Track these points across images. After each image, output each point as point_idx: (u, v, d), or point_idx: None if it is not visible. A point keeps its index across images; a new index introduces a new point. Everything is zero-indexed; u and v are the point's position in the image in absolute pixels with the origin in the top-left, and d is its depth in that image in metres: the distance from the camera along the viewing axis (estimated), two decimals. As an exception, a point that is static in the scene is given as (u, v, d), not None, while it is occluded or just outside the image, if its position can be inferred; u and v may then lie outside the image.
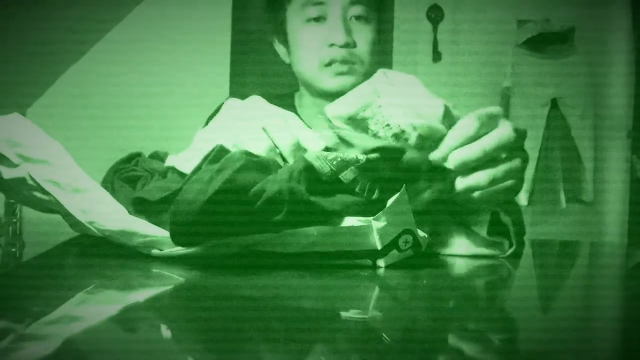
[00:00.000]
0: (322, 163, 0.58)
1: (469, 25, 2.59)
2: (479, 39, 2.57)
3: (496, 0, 2.62)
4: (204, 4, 2.46)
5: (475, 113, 0.62)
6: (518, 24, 2.64)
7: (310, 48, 1.05)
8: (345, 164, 0.57)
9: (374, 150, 0.58)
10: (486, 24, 2.57)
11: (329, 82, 1.04)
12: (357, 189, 0.56)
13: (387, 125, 0.60)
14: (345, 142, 0.62)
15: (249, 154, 0.56)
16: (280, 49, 1.14)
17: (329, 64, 1.03)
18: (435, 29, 2.61)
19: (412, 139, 0.59)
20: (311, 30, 1.04)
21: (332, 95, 1.06)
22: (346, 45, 1.02)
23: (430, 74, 2.59)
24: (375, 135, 0.60)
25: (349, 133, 0.61)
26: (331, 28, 1.03)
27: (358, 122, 0.62)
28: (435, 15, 2.61)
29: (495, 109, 0.64)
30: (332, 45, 1.02)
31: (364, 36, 1.04)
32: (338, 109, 0.63)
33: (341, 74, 1.04)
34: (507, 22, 2.63)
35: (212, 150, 0.58)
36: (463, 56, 2.59)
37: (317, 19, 1.04)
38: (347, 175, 0.56)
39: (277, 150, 0.61)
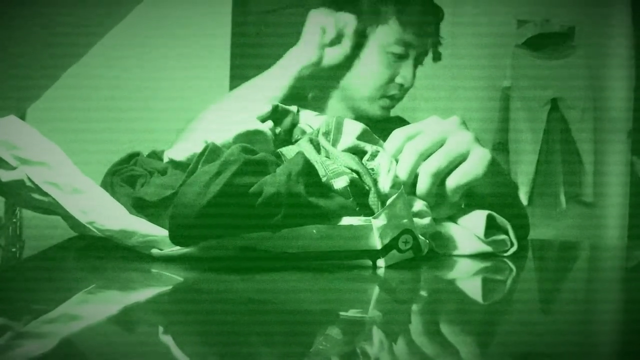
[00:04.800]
0: (319, 166, 0.58)
1: (469, 26, 2.59)
2: (479, 39, 2.57)
3: (496, 1, 2.62)
4: (204, 5, 2.46)
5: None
6: (518, 24, 2.64)
7: (378, 78, 1.09)
8: (338, 173, 0.57)
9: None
10: (486, 24, 2.57)
11: (377, 110, 1.11)
12: (349, 199, 0.57)
13: (372, 169, 0.61)
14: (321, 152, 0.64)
15: (246, 150, 0.56)
16: None
17: (385, 97, 1.10)
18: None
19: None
20: (389, 63, 1.08)
21: (366, 118, 1.10)
22: (408, 89, 1.10)
23: (429, 73, 2.59)
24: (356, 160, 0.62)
25: (331, 149, 0.63)
26: (406, 70, 1.08)
27: (364, 140, 0.64)
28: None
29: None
30: (400, 85, 1.09)
31: (415, 79, 1.12)
32: (359, 125, 0.65)
33: (388, 108, 1.12)
34: (507, 22, 2.63)
35: (205, 149, 0.58)
36: (463, 56, 2.58)
37: (398, 56, 1.07)
38: (338, 183, 0.57)
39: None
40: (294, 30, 1.15)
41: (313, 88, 1.17)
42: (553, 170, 2.60)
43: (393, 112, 1.25)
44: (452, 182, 0.62)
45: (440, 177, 0.62)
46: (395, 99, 1.11)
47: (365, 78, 1.09)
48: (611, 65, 2.68)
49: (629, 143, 2.68)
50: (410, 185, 0.63)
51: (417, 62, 1.11)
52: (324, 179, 0.57)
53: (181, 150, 0.63)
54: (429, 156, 0.62)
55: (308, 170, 0.54)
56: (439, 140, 0.62)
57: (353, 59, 1.10)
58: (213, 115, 1.03)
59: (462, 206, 0.68)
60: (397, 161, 0.63)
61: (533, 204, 2.58)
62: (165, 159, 0.65)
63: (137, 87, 2.39)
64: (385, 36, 1.07)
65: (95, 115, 2.35)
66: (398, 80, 1.08)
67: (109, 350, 0.34)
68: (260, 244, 0.55)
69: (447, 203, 0.64)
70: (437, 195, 0.64)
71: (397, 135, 0.64)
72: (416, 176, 0.62)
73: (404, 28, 1.06)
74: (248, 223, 0.52)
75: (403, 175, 0.62)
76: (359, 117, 1.11)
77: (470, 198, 0.68)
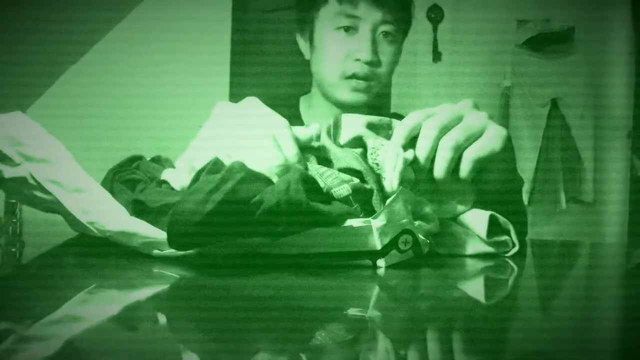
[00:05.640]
0: (318, 178, 0.58)
1: (469, 25, 2.59)
2: (479, 39, 2.58)
3: (496, 0, 2.62)
4: (204, 4, 2.46)
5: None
6: (518, 24, 2.64)
7: (334, 57, 1.05)
8: (339, 182, 0.57)
9: (346, 170, 0.59)
10: (486, 24, 2.58)
11: (345, 94, 1.06)
12: (352, 207, 0.56)
13: (377, 163, 0.60)
14: (323, 156, 0.63)
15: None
16: (302, 43, 1.14)
17: (350, 77, 1.05)
18: (435, 29, 2.62)
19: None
20: (339, 39, 1.05)
21: (342, 105, 1.07)
22: (370, 63, 1.04)
23: (430, 74, 2.59)
24: (358, 159, 0.60)
25: (332, 147, 0.62)
26: (360, 43, 1.03)
27: (373, 130, 0.63)
28: (435, 15, 2.61)
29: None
30: (357, 60, 1.04)
31: (388, 56, 1.06)
32: (362, 116, 0.64)
33: (358, 90, 1.05)
34: (507, 22, 2.63)
35: (209, 163, 0.58)
36: (463, 56, 2.59)
37: (347, 29, 1.04)
38: (339, 192, 0.57)
39: (277, 164, 0.61)
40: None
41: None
42: (553, 170, 2.60)
43: (405, 104, 1.23)
44: (470, 155, 0.62)
45: (459, 152, 0.62)
46: (362, 78, 1.04)
47: (324, 61, 1.07)
48: (611, 65, 2.68)
49: (629, 143, 2.68)
50: (427, 177, 0.62)
51: (377, 35, 1.05)
52: (324, 190, 0.57)
53: (179, 180, 0.63)
54: (447, 132, 0.62)
55: (308, 179, 0.54)
56: (456, 116, 0.63)
57: (312, 49, 1.10)
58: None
59: (471, 204, 0.67)
60: (404, 150, 0.62)
61: (533, 204, 2.58)
62: (163, 177, 0.65)
63: (137, 86, 2.39)
64: (327, 14, 1.06)
65: (96, 115, 2.35)
66: (355, 55, 1.03)
67: (112, 351, 0.34)
68: (260, 247, 0.55)
69: (459, 195, 0.64)
70: (452, 190, 0.63)
71: (416, 113, 0.64)
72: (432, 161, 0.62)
73: (340, 2, 1.04)
74: (250, 233, 0.52)
75: (423, 152, 0.61)
76: (338, 106, 1.09)
77: (481, 194, 0.67)
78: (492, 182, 0.68)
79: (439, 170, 0.62)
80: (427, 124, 0.62)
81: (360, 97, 1.06)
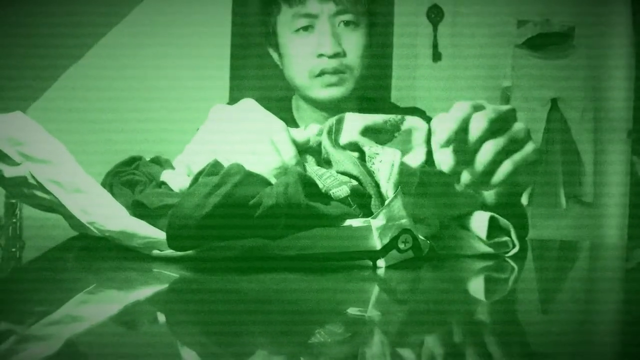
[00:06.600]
0: (317, 179, 0.58)
1: (469, 25, 2.59)
2: (479, 39, 2.57)
3: (496, 1, 2.62)
4: (204, 5, 2.46)
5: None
6: (518, 24, 2.64)
7: (299, 58, 1.05)
8: (337, 183, 0.57)
9: (345, 174, 0.59)
10: (486, 24, 2.58)
11: (319, 92, 1.05)
12: (351, 207, 0.56)
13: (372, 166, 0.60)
14: (323, 156, 0.63)
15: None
16: (273, 54, 1.14)
17: (319, 75, 1.04)
18: (435, 29, 2.61)
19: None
20: (300, 40, 1.04)
21: (323, 104, 1.07)
22: (335, 56, 1.02)
23: (430, 74, 2.59)
24: (356, 163, 0.60)
25: (331, 150, 0.62)
26: (320, 39, 1.02)
27: (374, 133, 0.63)
28: (435, 15, 2.61)
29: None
30: (320, 55, 1.02)
31: (353, 43, 1.04)
32: (365, 118, 0.63)
33: (331, 85, 1.04)
34: (507, 22, 2.63)
35: (207, 165, 0.58)
36: (463, 56, 2.59)
37: (306, 28, 1.04)
38: (338, 193, 0.57)
39: (275, 166, 0.61)
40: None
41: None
42: (553, 170, 2.60)
43: (406, 104, 1.22)
44: (508, 165, 0.60)
45: (499, 156, 0.60)
46: (332, 73, 1.03)
47: (291, 65, 1.07)
48: (611, 65, 2.68)
49: (629, 143, 2.68)
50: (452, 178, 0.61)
51: (336, 25, 1.04)
52: (323, 191, 0.57)
53: (177, 181, 0.63)
54: (496, 131, 0.60)
55: (307, 180, 0.54)
56: (504, 116, 0.61)
57: (280, 57, 1.10)
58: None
59: (479, 207, 0.67)
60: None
61: (533, 204, 2.58)
62: (162, 178, 0.65)
63: (136, 87, 2.39)
64: (283, 19, 1.06)
65: (95, 115, 2.35)
66: (318, 51, 1.02)
67: (112, 350, 0.34)
68: (260, 248, 0.55)
69: (470, 196, 0.64)
70: (464, 192, 0.63)
71: (463, 104, 0.60)
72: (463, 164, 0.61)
73: (289, 5, 1.04)
74: (249, 234, 0.52)
75: (474, 135, 0.58)
76: (319, 105, 1.08)
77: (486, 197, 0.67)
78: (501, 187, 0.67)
79: (479, 164, 0.59)
80: (478, 115, 0.59)
81: (335, 92, 1.05)
